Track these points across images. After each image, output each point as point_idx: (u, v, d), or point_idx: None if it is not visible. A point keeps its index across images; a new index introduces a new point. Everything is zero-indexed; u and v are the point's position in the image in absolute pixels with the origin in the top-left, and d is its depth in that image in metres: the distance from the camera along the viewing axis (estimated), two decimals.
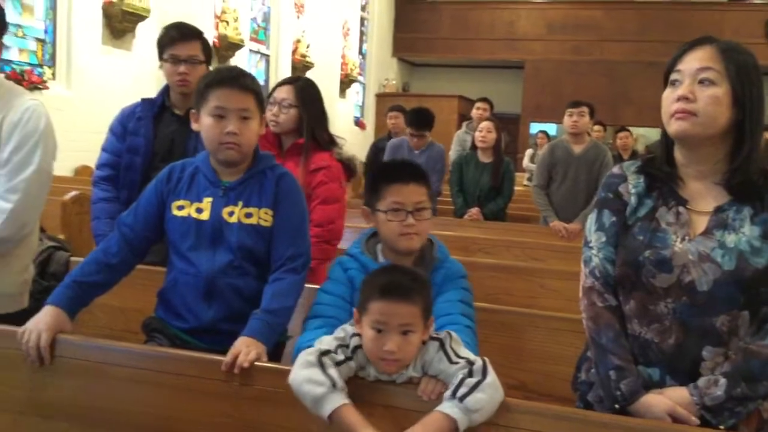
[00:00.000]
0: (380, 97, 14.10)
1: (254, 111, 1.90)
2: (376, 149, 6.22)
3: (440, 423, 1.44)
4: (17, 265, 2.18)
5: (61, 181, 4.60)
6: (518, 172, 6.12)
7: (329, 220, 2.69)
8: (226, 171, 1.94)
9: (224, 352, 1.66)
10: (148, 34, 7.11)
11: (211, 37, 8.06)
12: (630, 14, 13.72)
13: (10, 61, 6.14)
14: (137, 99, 2.83)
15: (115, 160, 2.75)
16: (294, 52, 10.74)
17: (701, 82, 1.51)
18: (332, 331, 1.62)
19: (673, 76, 1.56)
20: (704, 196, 1.58)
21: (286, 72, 10.22)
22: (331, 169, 2.75)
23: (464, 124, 6.62)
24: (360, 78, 13.56)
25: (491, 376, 1.47)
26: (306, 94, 2.78)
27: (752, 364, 1.47)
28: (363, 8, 13.75)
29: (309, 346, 1.56)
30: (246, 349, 1.65)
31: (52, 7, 6.56)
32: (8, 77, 5.41)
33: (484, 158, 5.01)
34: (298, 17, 10.86)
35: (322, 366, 1.49)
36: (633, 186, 1.64)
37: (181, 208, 1.92)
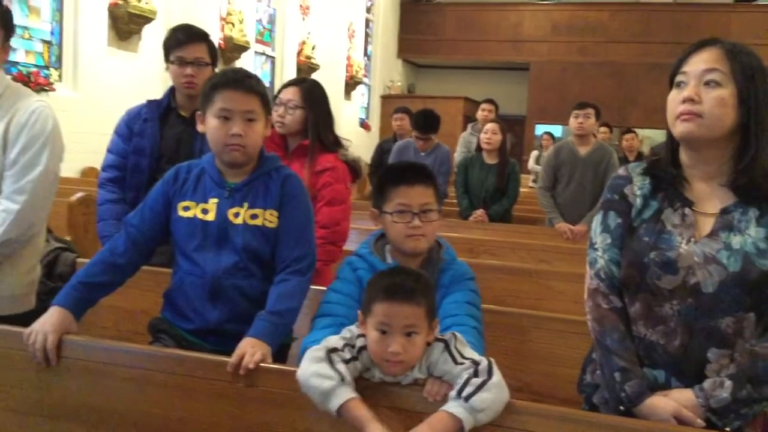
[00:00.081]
0: (385, 98, 14.10)
1: (259, 113, 1.90)
2: (382, 151, 6.21)
3: (445, 422, 1.44)
4: (24, 266, 2.19)
5: (67, 182, 4.62)
6: (523, 174, 6.10)
7: (335, 222, 2.69)
8: (232, 172, 1.94)
9: (229, 353, 1.66)
10: (154, 35, 7.15)
11: (216, 39, 8.06)
12: (636, 16, 13.70)
13: (17, 63, 6.17)
14: (143, 101, 2.83)
15: (121, 162, 2.75)
16: (299, 53, 10.76)
17: (707, 83, 1.51)
18: (339, 330, 1.62)
19: (679, 78, 1.56)
20: (710, 198, 1.57)
21: (292, 74, 10.23)
22: (337, 170, 2.74)
23: (469, 125, 6.63)
24: (365, 79, 13.55)
25: (497, 375, 1.47)
26: (312, 95, 2.78)
27: (758, 367, 1.47)
28: (368, 10, 13.77)
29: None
30: (251, 350, 1.65)
31: (59, 9, 6.59)
32: (15, 79, 5.41)
33: (490, 160, 5.00)
34: (304, 19, 10.88)
35: (330, 361, 1.49)
36: (638, 188, 1.64)
37: (186, 209, 1.92)
